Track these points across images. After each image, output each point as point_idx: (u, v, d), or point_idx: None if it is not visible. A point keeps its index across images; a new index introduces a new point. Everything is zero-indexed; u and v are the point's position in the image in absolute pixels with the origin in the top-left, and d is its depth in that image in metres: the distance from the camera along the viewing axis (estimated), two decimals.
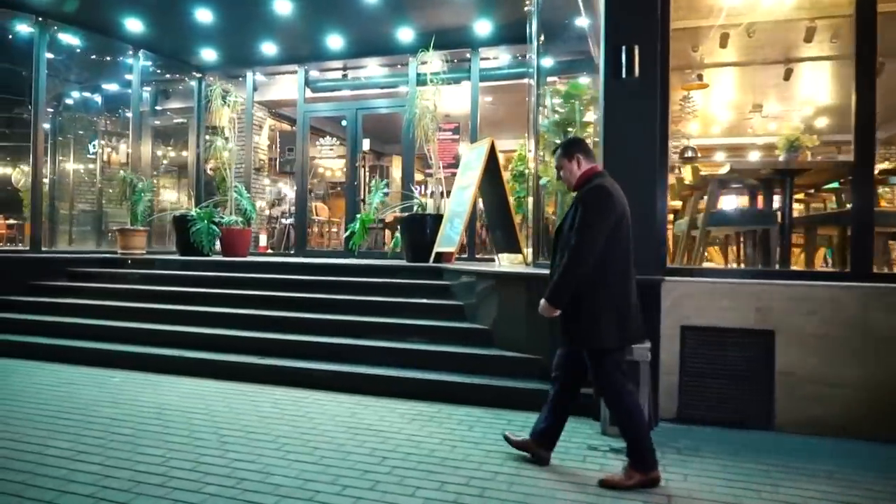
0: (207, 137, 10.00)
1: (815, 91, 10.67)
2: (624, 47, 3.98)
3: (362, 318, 5.67)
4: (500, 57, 9.30)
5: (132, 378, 5.14)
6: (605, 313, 3.00)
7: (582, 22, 7.76)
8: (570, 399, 3.30)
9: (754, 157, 15.07)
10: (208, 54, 9.72)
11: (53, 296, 7.15)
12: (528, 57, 7.87)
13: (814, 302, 3.88)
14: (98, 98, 11.53)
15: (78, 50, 9.14)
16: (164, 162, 12.59)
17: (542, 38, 6.71)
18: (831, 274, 4.29)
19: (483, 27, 8.27)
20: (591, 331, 3.02)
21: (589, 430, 3.89)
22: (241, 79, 10.45)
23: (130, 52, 9.49)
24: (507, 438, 3.43)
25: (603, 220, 2.94)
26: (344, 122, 10.51)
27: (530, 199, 7.59)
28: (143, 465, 3.16)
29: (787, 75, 9.06)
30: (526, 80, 9.03)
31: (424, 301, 5.80)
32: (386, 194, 8.24)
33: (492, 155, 6.50)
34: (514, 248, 6.69)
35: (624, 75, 4.00)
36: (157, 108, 11.57)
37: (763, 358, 3.97)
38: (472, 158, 6.78)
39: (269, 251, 11.09)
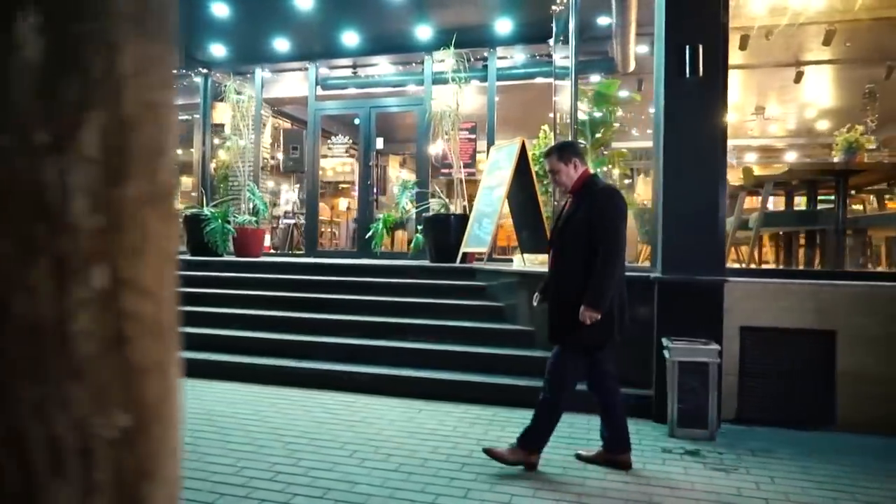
0: (222, 134, 9.76)
1: (820, 94, 10.83)
2: (688, 46, 3.95)
3: (398, 320, 5.56)
4: (515, 56, 9.23)
5: None
6: (610, 312, 3.07)
7: (603, 21, 7.77)
8: (608, 395, 3.26)
9: (751, 158, 15.30)
10: (217, 49, 9.49)
11: None
12: (553, 57, 7.83)
13: (876, 302, 3.90)
14: None
15: None
16: None
17: (565, 37, 6.67)
18: (893, 274, 4.31)
19: (504, 26, 8.21)
20: (593, 328, 3.04)
21: (654, 432, 3.87)
22: (248, 75, 10.22)
23: None
24: (580, 457, 3.35)
25: (622, 220, 3.09)
26: (356, 121, 10.35)
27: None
28: (218, 476, 3.04)
29: (798, 78, 9.17)
30: (540, 80, 9.01)
31: (463, 302, 5.71)
32: (413, 194, 8.07)
33: (522, 155, 6.45)
34: (542, 248, 6.64)
35: (687, 75, 3.96)
36: None
37: (824, 358, 3.98)
38: (502, 158, 6.71)
39: (274, 251, 10.86)
